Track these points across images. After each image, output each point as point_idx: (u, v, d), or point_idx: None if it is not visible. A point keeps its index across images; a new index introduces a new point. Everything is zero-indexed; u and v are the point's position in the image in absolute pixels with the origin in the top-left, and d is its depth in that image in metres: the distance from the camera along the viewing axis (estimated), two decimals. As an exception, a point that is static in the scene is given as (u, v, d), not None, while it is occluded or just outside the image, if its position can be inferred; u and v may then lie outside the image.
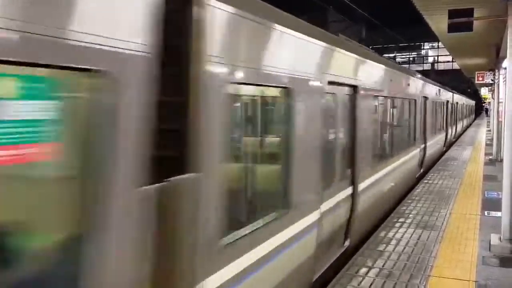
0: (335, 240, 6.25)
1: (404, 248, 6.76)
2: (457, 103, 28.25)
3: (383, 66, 8.87)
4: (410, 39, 43.94)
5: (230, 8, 3.54)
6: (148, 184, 2.67)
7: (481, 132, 33.31)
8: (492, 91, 25.37)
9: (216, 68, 3.35)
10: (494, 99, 23.51)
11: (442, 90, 19.48)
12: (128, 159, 2.54)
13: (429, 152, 14.87)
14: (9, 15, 1.88)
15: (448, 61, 52.15)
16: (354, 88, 6.84)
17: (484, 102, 68.99)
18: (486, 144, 23.37)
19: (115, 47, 2.41)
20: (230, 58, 3.55)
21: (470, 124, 45.34)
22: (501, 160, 9.51)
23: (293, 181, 4.68)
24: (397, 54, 58.96)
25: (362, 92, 7.06)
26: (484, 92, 42.36)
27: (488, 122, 48.24)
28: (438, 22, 11.99)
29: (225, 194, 3.44)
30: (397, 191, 10.19)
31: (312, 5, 25.02)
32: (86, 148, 2.42)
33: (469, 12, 9.60)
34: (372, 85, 7.86)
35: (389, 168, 9.14)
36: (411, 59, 61.18)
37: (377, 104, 8.41)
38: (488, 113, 72.09)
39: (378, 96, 8.36)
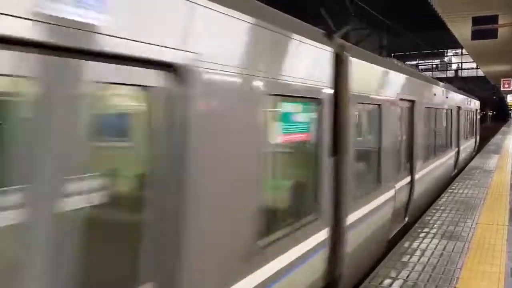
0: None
1: (429, 259, 6.64)
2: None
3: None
4: (433, 46, 43.39)
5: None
6: None
7: (508, 140, 32.54)
8: (519, 98, 24.85)
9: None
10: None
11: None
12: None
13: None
14: None
15: (472, 68, 51.30)
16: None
17: (511, 109, 67.48)
18: (513, 152, 22.82)
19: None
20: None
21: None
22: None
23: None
24: (419, 61, 58.23)
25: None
26: (510, 99, 41.47)
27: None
28: (462, 29, 11.85)
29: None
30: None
31: (333, 13, 25.01)
32: None
33: (493, 19, 9.46)
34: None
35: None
36: (434, 66, 60.37)
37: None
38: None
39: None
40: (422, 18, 29.79)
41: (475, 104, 24.09)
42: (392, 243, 7.85)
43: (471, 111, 21.75)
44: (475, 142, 24.67)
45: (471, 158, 21.72)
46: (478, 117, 27.05)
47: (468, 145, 20.56)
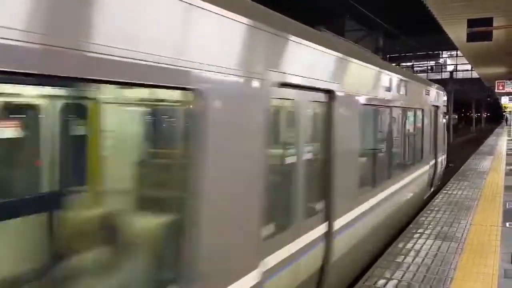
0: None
1: (423, 259, 6.68)
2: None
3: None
4: (428, 48, 43.57)
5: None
6: None
7: (502, 142, 32.75)
8: (513, 100, 24.97)
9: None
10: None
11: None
12: None
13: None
14: None
15: (467, 70, 51.56)
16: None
17: (505, 111, 67.88)
18: (507, 154, 22.97)
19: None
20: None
21: None
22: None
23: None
24: (414, 63, 58.50)
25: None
26: (504, 101, 41.75)
27: (509, 131, 47.42)
28: (457, 31, 11.91)
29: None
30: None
31: (330, 14, 25.09)
32: None
33: (488, 21, 9.52)
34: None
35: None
36: (429, 68, 60.68)
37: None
38: (508, 122, 71.03)
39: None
40: (417, 20, 29.94)
41: (431, 96, 12.26)
42: None
43: (420, 110, 10.95)
44: (435, 169, 13.22)
45: (415, 213, 10.77)
46: (443, 121, 14.25)
47: (402, 189, 9.32)
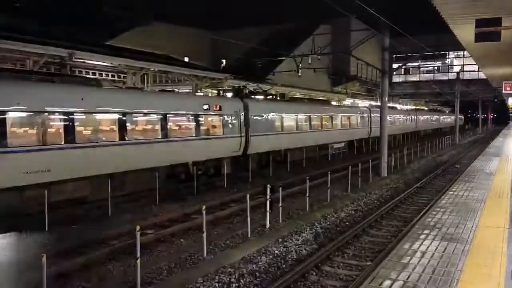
0: None
1: (429, 261, 6.64)
2: None
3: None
4: (435, 48, 43.38)
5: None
6: None
7: (508, 143, 32.51)
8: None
9: None
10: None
11: None
12: None
13: None
14: None
15: (474, 71, 51.30)
16: None
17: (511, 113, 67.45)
18: (514, 155, 22.78)
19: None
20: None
21: None
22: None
23: None
24: (421, 63, 58.32)
25: None
26: (511, 102, 41.41)
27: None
28: (465, 32, 11.83)
29: None
30: None
31: (335, 14, 25.03)
32: None
33: (497, 22, 9.45)
34: None
35: None
36: (436, 68, 60.45)
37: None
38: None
39: None
40: (423, 20, 29.85)
41: None
42: None
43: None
44: None
45: None
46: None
47: None
